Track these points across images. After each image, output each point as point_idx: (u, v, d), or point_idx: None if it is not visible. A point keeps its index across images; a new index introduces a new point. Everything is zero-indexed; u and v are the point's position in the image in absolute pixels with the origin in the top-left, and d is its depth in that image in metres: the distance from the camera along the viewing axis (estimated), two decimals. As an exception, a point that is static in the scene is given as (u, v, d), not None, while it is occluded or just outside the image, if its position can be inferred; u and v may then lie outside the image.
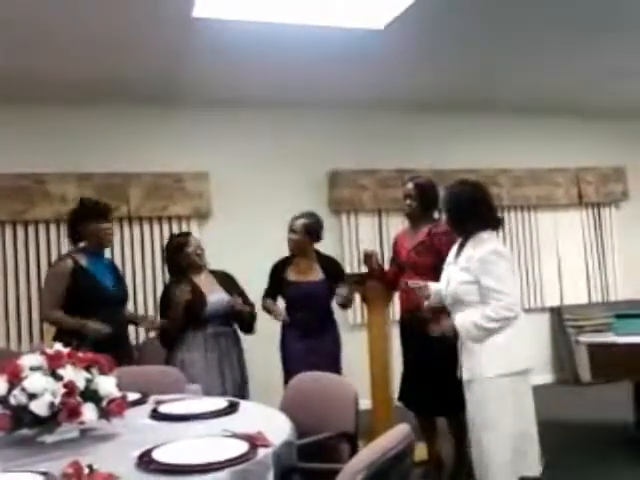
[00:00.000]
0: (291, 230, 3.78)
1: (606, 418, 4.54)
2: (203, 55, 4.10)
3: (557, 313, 6.13)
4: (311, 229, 3.77)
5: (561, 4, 3.62)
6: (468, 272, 2.72)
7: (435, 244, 3.35)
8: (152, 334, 3.81)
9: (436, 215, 3.47)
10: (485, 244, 2.74)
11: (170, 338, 3.50)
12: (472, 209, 2.81)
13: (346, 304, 3.82)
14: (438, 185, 3.48)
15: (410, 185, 3.50)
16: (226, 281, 3.62)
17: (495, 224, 2.85)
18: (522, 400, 2.68)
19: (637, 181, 6.48)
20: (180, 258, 3.56)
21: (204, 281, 3.55)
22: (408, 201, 3.48)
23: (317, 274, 3.78)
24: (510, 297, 2.69)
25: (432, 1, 3.41)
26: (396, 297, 3.81)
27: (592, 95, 5.68)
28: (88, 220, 3.37)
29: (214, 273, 3.64)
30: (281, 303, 3.91)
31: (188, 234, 3.74)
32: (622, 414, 4.29)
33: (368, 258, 3.68)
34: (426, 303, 3.01)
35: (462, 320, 2.73)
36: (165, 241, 4.97)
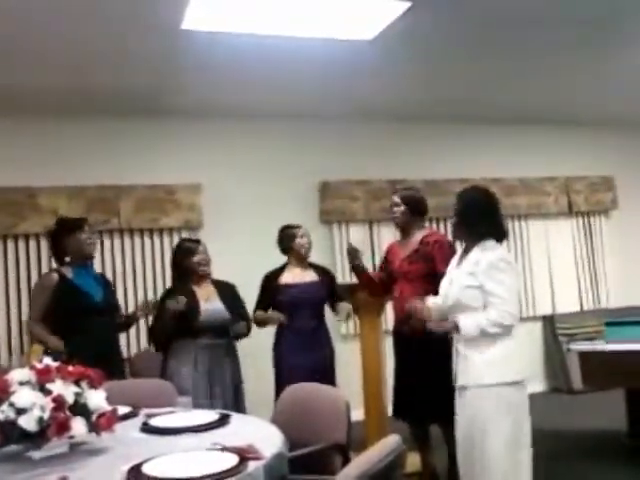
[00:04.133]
0: (302, 235, 3.89)
1: (599, 426, 4.54)
2: (194, 67, 4.10)
3: (549, 321, 6.15)
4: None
5: (554, 18, 3.66)
6: (474, 277, 2.68)
7: (428, 252, 3.38)
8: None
9: (426, 224, 3.49)
10: (493, 250, 2.71)
11: (161, 344, 3.50)
12: (485, 214, 2.79)
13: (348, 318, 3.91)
14: (426, 195, 3.51)
15: (395, 197, 3.57)
16: (226, 292, 3.58)
17: (502, 235, 2.84)
18: (516, 411, 2.64)
19: (626, 190, 6.53)
20: (185, 264, 3.54)
21: (203, 290, 3.51)
22: (395, 209, 3.53)
23: (312, 276, 3.85)
24: (514, 306, 2.67)
25: (421, 13, 3.44)
26: (389, 307, 3.82)
27: (582, 105, 5.73)
28: (67, 234, 3.42)
29: (216, 283, 3.61)
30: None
31: (198, 241, 3.68)
32: (615, 422, 4.29)
33: (352, 252, 3.65)
34: (429, 325, 2.86)
35: (466, 320, 2.66)
36: (156, 253, 5.07)
